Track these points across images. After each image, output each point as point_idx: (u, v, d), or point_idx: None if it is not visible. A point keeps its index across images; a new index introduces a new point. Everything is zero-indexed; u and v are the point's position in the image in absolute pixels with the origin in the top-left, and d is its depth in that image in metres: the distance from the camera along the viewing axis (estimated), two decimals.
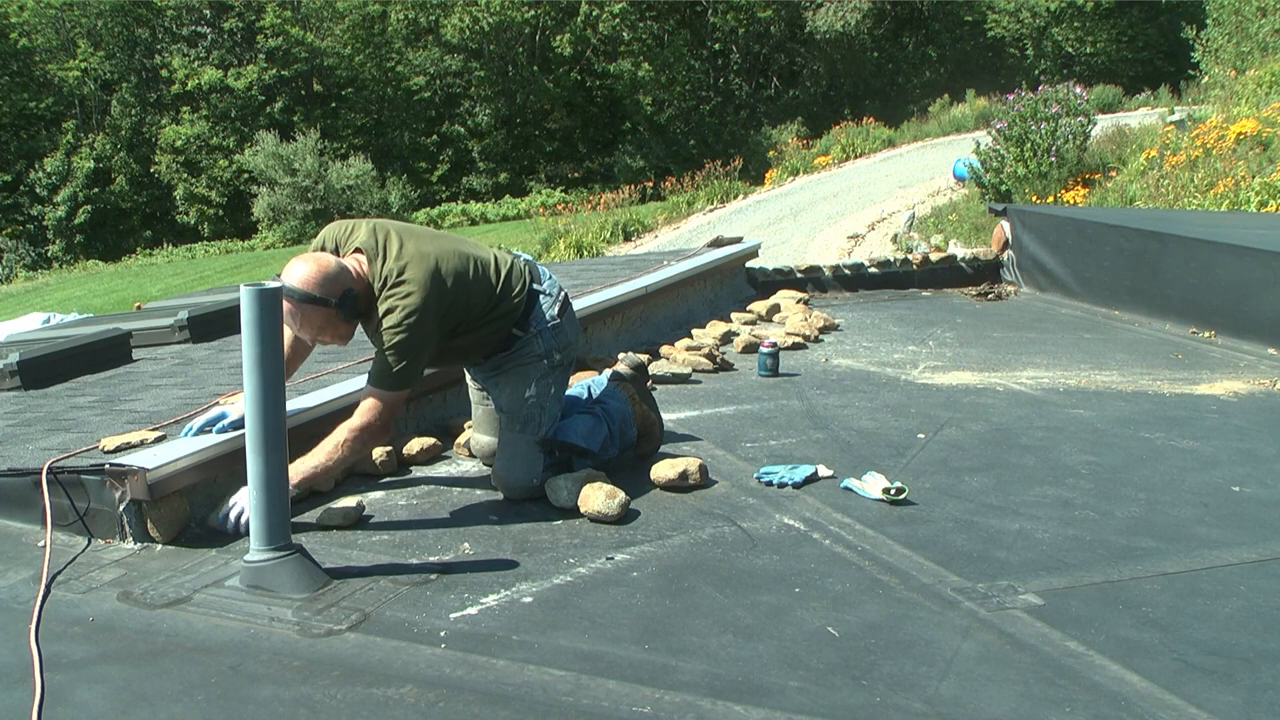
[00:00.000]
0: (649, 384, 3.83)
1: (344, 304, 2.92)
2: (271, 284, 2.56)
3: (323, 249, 3.08)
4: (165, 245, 33.49)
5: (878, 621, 2.41)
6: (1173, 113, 17.89)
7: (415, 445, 3.60)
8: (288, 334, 3.09)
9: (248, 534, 2.67)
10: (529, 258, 3.37)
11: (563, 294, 3.34)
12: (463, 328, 3.10)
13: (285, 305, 2.85)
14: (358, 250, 3.01)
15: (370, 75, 39.04)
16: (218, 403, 3.53)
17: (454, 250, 3.10)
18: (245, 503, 2.86)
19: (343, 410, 3.49)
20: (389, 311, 2.93)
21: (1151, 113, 21.75)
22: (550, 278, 3.35)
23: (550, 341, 3.24)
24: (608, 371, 3.69)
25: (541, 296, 3.25)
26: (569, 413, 3.40)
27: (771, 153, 30.14)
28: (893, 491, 3.16)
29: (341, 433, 3.01)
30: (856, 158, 26.91)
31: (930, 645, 2.29)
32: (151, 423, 3.34)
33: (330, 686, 2.14)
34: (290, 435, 2.63)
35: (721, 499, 3.23)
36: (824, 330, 5.87)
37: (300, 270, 2.89)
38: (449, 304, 3.00)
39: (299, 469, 2.97)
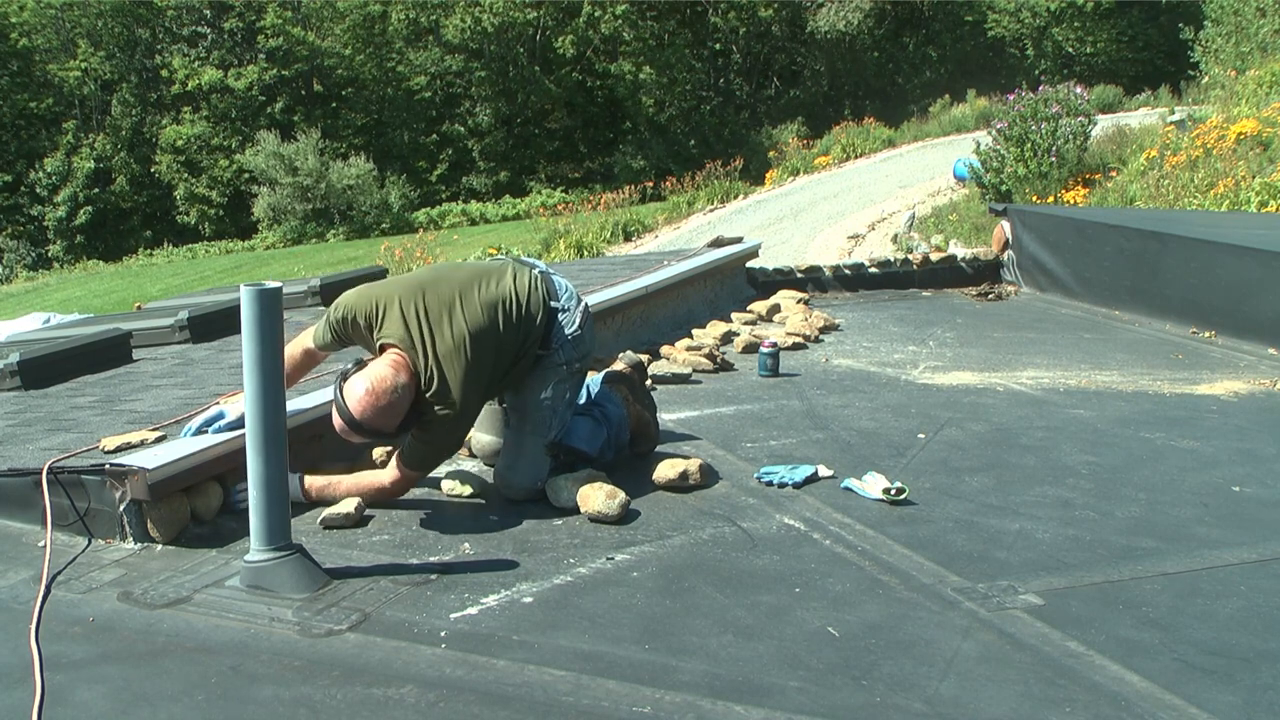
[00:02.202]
0: (649, 384, 3.83)
1: (402, 428, 2.93)
2: (271, 284, 2.56)
3: (352, 320, 3.02)
4: (165, 245, 33.48)
5: (878, 621, 2.41)
6: (1173, 113, 17.88)
7: None
8: (298, 344, 3.12)
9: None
10: (544, 268, 3.33)
11: (580, 304, 3.32)
12: (500, 378, 3.14)
13: (340, 423, 2.86)
14: (395, 345, 2.94)
15: (371, 75, 39.04)
16: (217, 402, 3.54)
17: (483, 311, 3.02)
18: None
19: None
20: (434, 422, 2.94)
21: (1152, 113, 21.74)
22: (567, 289, 3.31)
23: (570, 352, 3.24)
24: (604, 371, 3.69)
25: (560, 314, 3.23)
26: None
27: (772, 153, 30.11)
28: (893, 491, 3.16)
29: (369, 483, 3.12)
30: (857, 158, 26.90)
31: (930, 645, 2.29)
32: (151, 423, 3.34)
33: (330, 686, 2.14)
34: (290, 435, 2.63)
35: (721, 499, 3.23)
36: (824, 330, 5.87)
37: (361, 401, 2.81)
38: (485, 386, 3.04)
39: (315, 484, 3.12)
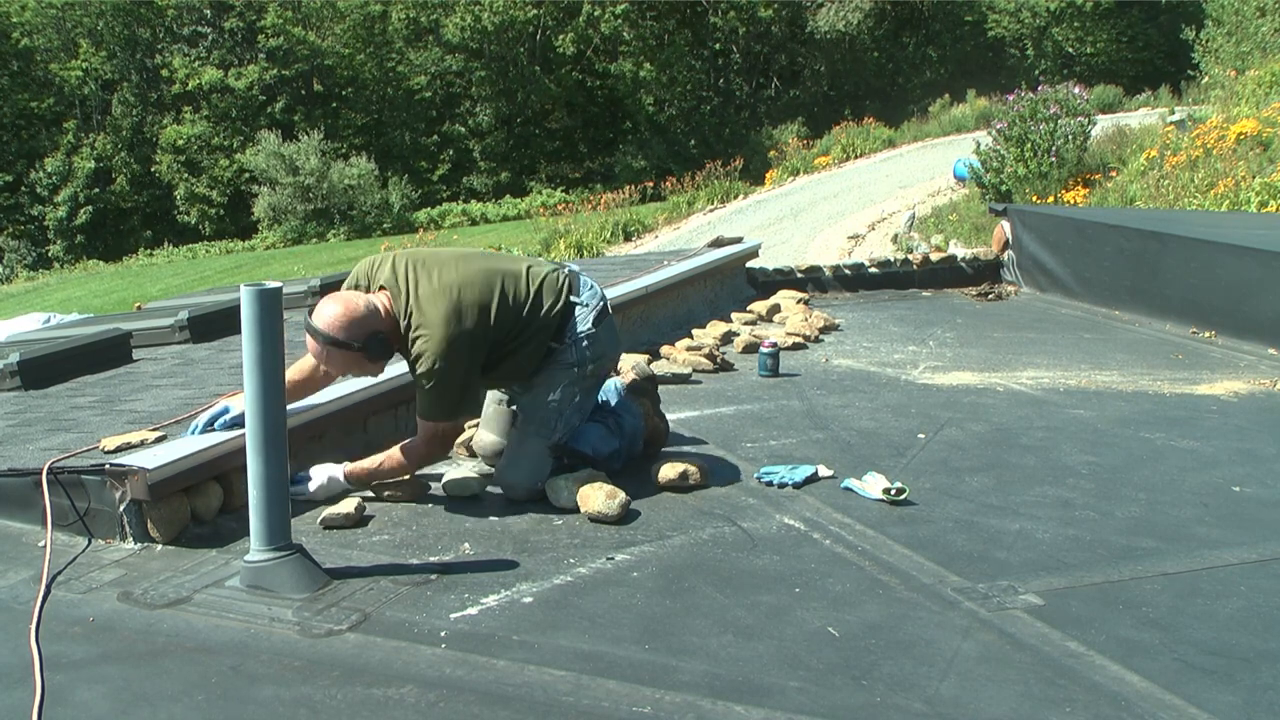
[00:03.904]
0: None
1: (370, 347, 2.97)
2: (271, 284, 2.56)
3: (356, 286, 3.12)
4: (166, 245, 33.43)
5: (878, 621, 2.41)
6: (1173, 113, 17.88)
7: None
8: (308, 361, 3.15)
9: (325, 502, 3.05)
10: (573, 268, 3.37)
11: (601, 304, 3.32)
12: (500, 349, 3.13)
13: (310, 342, 2.97)
14: (383, 287, 3.05)
15: (371, 75, 39.02)
16: (217, 402, 3.54)
17: (480, 274, 3.10)
18: (320, 478, 3.15)
19: (343, 410, 3.50)
20: (417, 356, 2.99)
21: (1152, 113, 21.74)
22: (591, 287, 3.34)
23: (583, 352, 3.23)
24: (627, 379, 3.67)
25: (578, 308, 3.24)
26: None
27: (772, 153, 30.09)
28: (893, 492, 3.16)
29: (409, 455, 3.14)
30: (857, 158, 26.89)
31: (930, 645, 2.29)
32: (151, 423, 3.34)
33: (330, 686, 2.14)
34: (290, 435, 2.63)
35: (721, 499, 3.23)
36: (824, 330, 5.87)
37: (327, 312, 2.95)
38: (475, 333, 3.02)
39: (357, 468, 3.15)
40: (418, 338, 2.98)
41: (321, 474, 3.17)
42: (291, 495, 3.06)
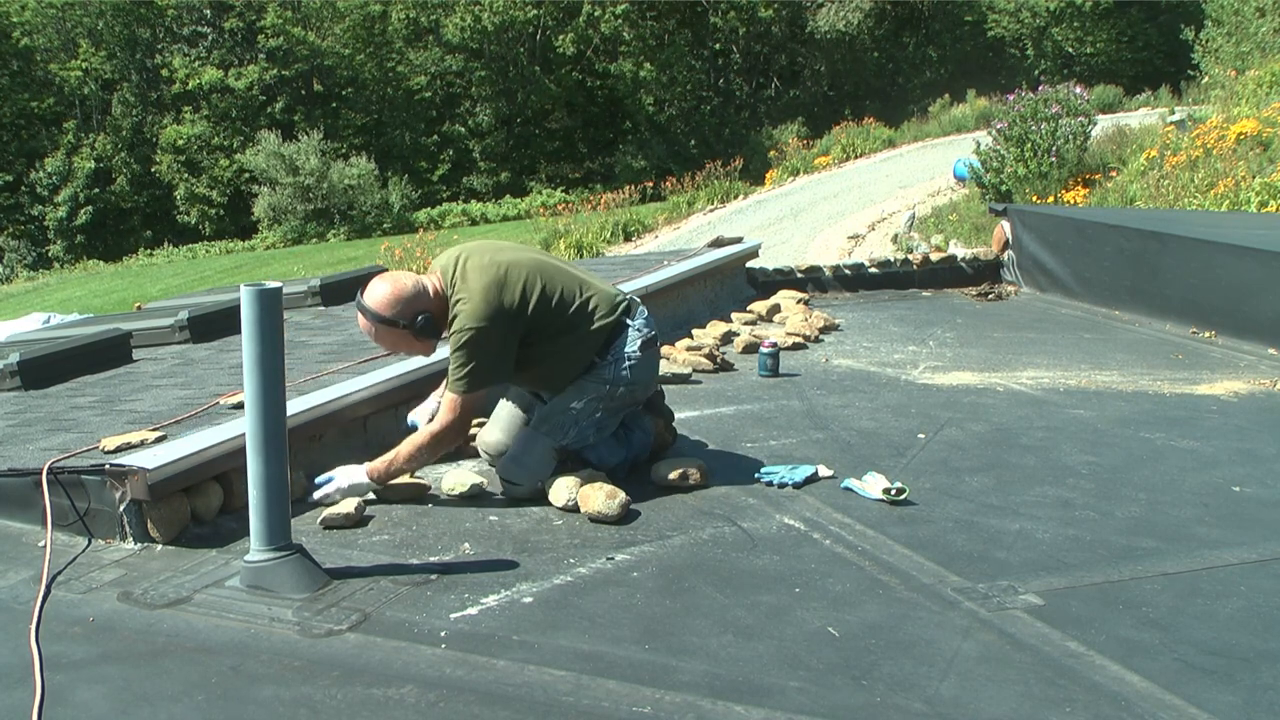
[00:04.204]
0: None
1: (417, 325, 3.06)
2: (271, 284, 2.56)
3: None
4: (166, 245, 33.44)
5: (878, 621, 2.41)
6: (1173, 113, 17.87)
7: None
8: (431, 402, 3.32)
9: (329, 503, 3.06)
10: (635, 299, 3.42)
11: (652, 335, 3.36)
12: (540, 343, 3.16)
13: (360, 319, 3.08)
14: (438, 271, 3.15)
15: (371, 75, 39.02)
16: (218, 403, 3.54)
17: (532, 262, 3.19)
18: (341, 480, 3.15)
19: (343, 410, 3.50)
20: (454, 319, 3.07)
21: (1152, 113, 21.73)
22: (646, 317, 3.38)
23: (621, 372, 3.25)
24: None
25: (630, 329, 3.28)
26: None
27: (772, 153, 30.08)
28: (893, 492, 3.16)
29: (422, 435, 3.17)
30: (857, 158, 26.88)
31: (930, 645, 2.29)
32: (152, 423, 3.34)
33: (330, 686, 2.14)
34: (290, 435, 2.63)
35: (721, 499, 3.23)
36: (824, 330, 5.87)
37: (378, 291, 3.05)
38: (514, 310, 3.07)
39: (381, 463, 3.15)
40: (458, 301, 3.06)
41: (344, 477, 3.17)
42: (317, 500, 3.09)
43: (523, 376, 3.33)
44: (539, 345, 3.17)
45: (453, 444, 3.26)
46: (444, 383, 3.27)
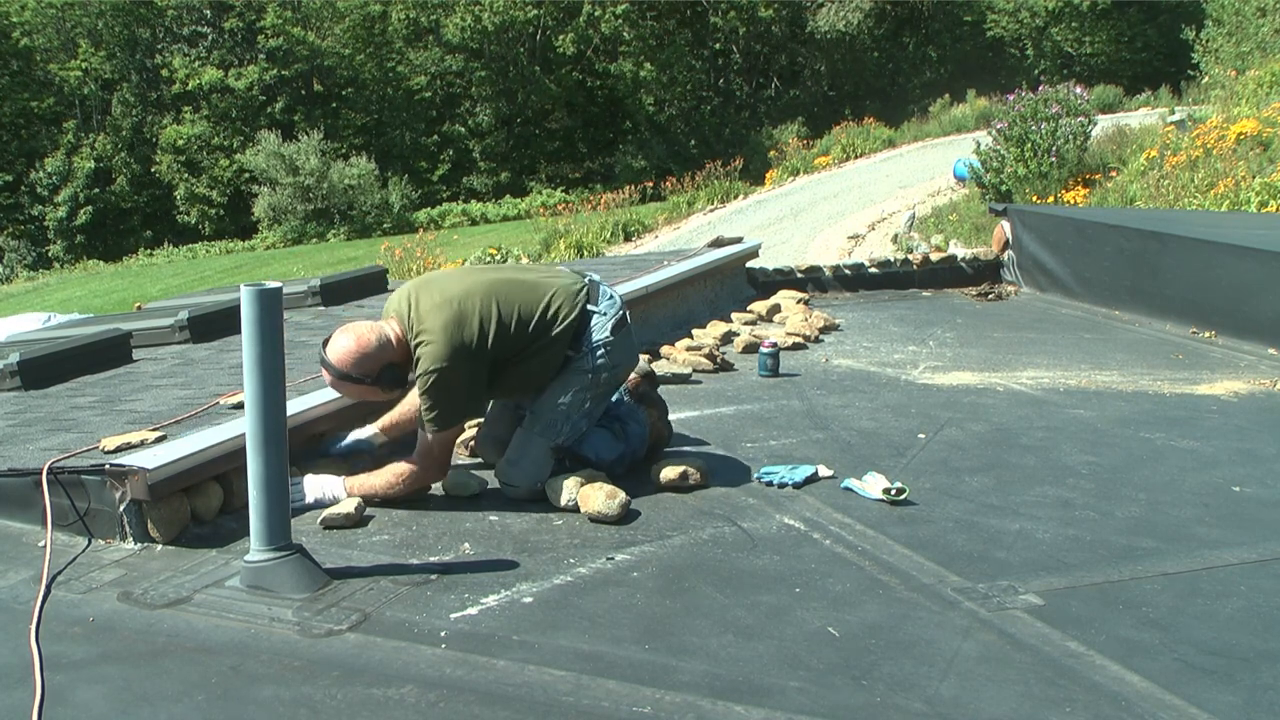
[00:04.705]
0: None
1: (382, 379, 3.06)
2: (271, 284, 2.56)
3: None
4: (165, 245, 33.43)
5: (878, 621, 2.41)
6: (1173, 113, 17.87)
7: None
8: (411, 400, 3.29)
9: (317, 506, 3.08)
10: (595, 278, 3.38)
11: (620, 314, 3.32)
12: (508, 360, 3.14)
13: (325, 375, 3.06)
14: (394, 316, 3.11)
15: (371, 75, 39.02)
16: (218, 403, 3.54)
17: (484, 285, 3.13)
18: (316, 490, 3.15)
19: (342, 410, 3.50)
20: (417, 362, 3.04)
21: (1152, 113, 21.73)
22: (610, 297, 3.34)
23: (598, 359, 3.23)
24: (636, 385, 3.66)
25: (595, 316, 3.25)
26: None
27: (772, 153, 30.08)
28: (893, 492, 3.16)
29: (402, 466, 3.15)
30: (857, 158, 26.88)
31: (930, 645, 2.29)
32: (151, 423, 3.34)
33: (330, 686, 2.14)
34: (290, 435, 2.63)
35: (721, 499, 3.23)
36: (824, 330, 5.87)
37: (340, 345, 3.03)
38: (477, 342, 3.04)
39: (357, 483, 3.15)
40: (419, 344, 3.02)
41: (315, 486, 3.15)
42: (304, 509, 3.08)
43: (499, 394, 3.33)
44: (509, 367, 3.16)
45: (434, 482, 3.23)
46: (382, 416, 3.39)
